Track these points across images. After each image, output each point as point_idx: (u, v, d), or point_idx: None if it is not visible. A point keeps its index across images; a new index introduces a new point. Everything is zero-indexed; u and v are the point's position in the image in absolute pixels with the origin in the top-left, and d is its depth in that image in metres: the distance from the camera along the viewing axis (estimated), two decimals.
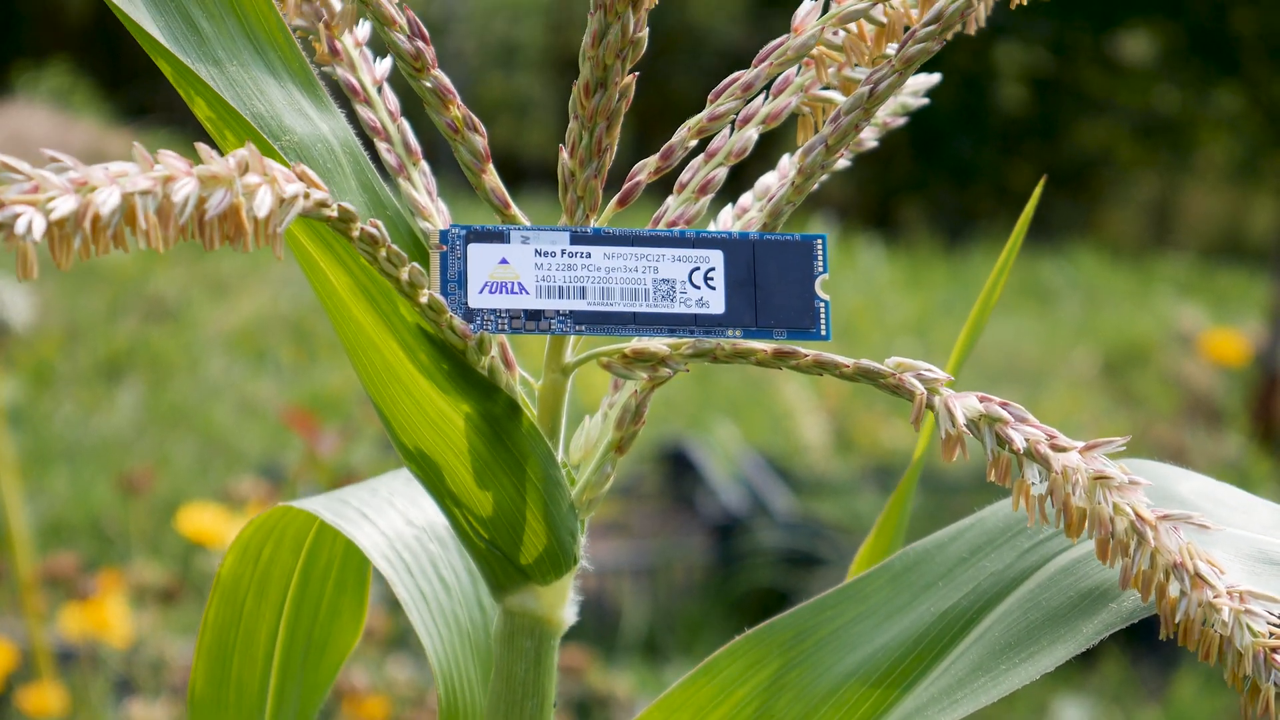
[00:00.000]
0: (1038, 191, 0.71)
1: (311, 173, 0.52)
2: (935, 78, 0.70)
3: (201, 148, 0.50)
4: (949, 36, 0.59)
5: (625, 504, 3.49)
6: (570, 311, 0.60)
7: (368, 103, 0.65)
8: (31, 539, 2.44)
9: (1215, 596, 0.54)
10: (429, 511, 0.73)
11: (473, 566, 0.73)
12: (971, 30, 0.61)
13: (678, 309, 0.60)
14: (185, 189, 0.48)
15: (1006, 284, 0.72)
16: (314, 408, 3.58)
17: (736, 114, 0.63)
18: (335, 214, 0.54)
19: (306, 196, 0.52)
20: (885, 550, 0.75)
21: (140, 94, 7.36)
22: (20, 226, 0.46)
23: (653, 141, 0.62)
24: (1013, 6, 0.61)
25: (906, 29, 0.62)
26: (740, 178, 0.64)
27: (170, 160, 0.49)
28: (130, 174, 0.48)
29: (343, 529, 0.71)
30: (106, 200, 0.47)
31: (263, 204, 0.50)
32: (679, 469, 3.59)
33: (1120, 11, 8.00)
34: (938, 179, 8.26)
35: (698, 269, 0.60)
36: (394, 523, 0.72)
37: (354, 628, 0.76)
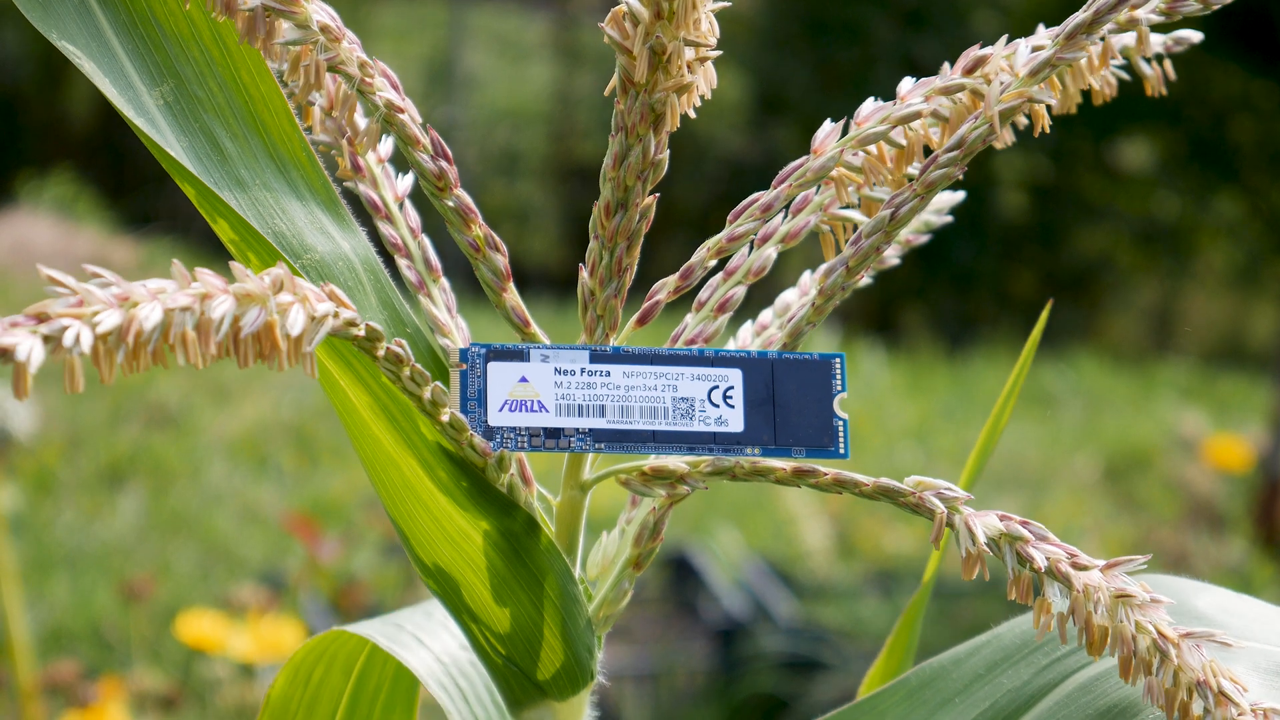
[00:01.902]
0: (1043, 318, 0.72)
1: (340, 292, 0.53)
2: (959, 195, 0.70)
3: (236, 266, 0.50)
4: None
5: (627, 609, 3.47)
6: (590, 429, 0.60)
7: (389, 219, 0.65)
8: (32, 646, 2.43)
9: (1240, 714, 0.54)
10: None
11: None
12: (997, 146, 0.61)
13: (697, 427, 0.60)
14: (223, 306, 0.49)
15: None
16: (315, 514, 3.57)
17: (755, 234, 0.63)
18: (362, 333, 0.54)
19: (336, 315, 0.52)
20: (896, 671, 0.74)
21: (143, 202, 7.39)
22: (69, 339, 0.46)
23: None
24: (1036, 134, 0.62)
25: (926, 149, 0.62)
26: (758, 288, 0.65)
27: (208, 278, 0.49)
28: (169, 290, 0.49)
29: (398, 654, 0.71)
30: (149, 316, 0.48)
31: (295, 322, 0.50)
32: (681, 574, 3.57)
33: (1119, 120, 8.03)
34: (938, 285, 8.26)
35: (716, 387, 0.60)
36: (448, 646, 0.72)
37: None
